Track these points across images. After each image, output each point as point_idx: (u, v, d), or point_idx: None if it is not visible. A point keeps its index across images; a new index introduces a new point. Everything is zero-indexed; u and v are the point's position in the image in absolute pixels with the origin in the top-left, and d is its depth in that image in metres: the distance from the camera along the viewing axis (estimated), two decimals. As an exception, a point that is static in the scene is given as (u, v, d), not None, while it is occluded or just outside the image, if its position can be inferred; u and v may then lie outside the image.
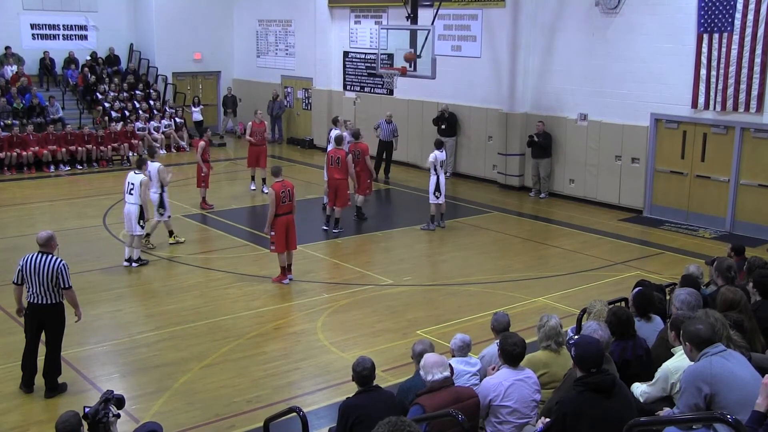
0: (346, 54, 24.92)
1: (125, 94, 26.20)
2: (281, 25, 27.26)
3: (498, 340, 6.77)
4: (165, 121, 25.82)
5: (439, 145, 16.69)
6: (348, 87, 25.10)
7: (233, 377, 9.55)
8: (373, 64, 22.42)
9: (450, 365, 6.48)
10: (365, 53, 24.09)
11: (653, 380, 6.05)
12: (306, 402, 8.70)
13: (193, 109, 26.82)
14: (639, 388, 6.11)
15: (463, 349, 7.35)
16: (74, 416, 5.39)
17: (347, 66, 25.01)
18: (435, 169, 16.23)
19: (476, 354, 7.65)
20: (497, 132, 20.39)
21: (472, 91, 21.06)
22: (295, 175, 22.38)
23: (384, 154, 21.74)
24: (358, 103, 24.74)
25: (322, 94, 25.75)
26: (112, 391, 5.82)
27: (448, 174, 21.69)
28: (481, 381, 6.80)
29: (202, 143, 17.91)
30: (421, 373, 6.25)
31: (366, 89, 24.48)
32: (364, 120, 24.48)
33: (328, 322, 11.38)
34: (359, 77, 24.69)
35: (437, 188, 16.24)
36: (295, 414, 6.63)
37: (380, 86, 23.37)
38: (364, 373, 6.35)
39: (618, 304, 8.02)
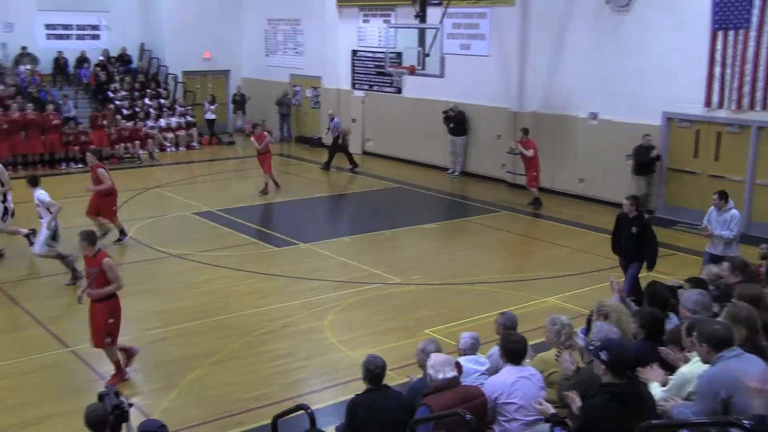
0: (354, 53, 24.91)
1: (136, 92, 26.31)
2: (290, 24, 27.30)
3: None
4: (174, 119, 25.93)
5: (34, 182, 13.37)
6: (356, 86, 25.08)
7: (241, 374, 9.59)
8: (381, 63, 22.42)
9: (458, 364, 6.48)
10: (374, 52, 24.09)
11: (668, 385, 5.90)
12: (313, 400, 8.72)
13: (208, 106, 26.98)
14: (653, 390, 6.02)
15: (473, 347, 7.35)
16: (102, 406, 5.54)
17: (356, 65, 24.99)
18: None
19: (484, 353, 7.66)
20: (506, 131, 20.36)
21: (480, 89, 21.03)
22: (303, 173, 22.50)
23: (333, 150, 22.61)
24: (366, 102, 24.75)
25: (331, 92, 25.78)
26: (112, 386, 5.94)
27: (456, 173, 21.72)
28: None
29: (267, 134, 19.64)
30: (429, 372, 6.25)
31: (374, 88, 24.46)
32: (373, 119, 24.53)
33: (336, 320, 11.41)
34: (368, 76, 24.68)
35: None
36: (303, 411, 6.66)
37: (389, 85, 23.34)
38: (376, 371, 6.33)
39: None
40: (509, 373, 6.32)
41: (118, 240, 15.00)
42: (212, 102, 27.31)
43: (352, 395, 6.55)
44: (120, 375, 9.40)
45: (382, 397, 6.32)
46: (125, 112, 25.06)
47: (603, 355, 5.44)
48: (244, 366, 9.82)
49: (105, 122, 23.50)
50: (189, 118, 26.33)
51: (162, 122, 25.55)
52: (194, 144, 25.86)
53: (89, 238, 9.23)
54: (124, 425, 5.70)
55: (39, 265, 13.69)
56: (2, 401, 8.84)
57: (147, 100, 26.12)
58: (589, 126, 18.73)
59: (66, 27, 26.85)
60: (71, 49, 26.66)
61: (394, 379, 8.77)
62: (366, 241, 15.86)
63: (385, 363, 6.46)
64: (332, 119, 23.11)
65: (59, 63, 26.33)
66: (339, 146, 22.64)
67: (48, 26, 26.47)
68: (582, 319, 8.86)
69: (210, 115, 27.07)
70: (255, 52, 28.84)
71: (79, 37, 27.16)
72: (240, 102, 28.19)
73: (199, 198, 18.58)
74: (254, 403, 8.82)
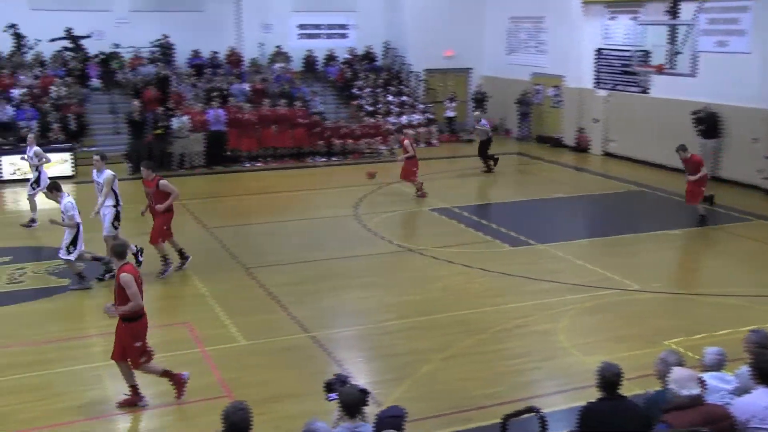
0: (598, 51, 24.20)
1: (379, 90, 27.24)
2: (533, 21, 27.00)
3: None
4: (415, 117, 26.56)
5: (58, 189, 12.58)
6: (600, 85, 24.36)
7: (473, 371, 9.60)
8: (627, 62, 21.61)
9: (702, 380, 6.07)
10: (619, 50, 23.25)
11: None
12: (545, 403, 8.49)
13: (448, 104, 27.43)
14: None
15: (719, 364, 6.85)
16: (355, 390, 5.90)
17: (600, 63, 24.27)
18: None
19: (731, 371, 7.11)
20: (765, 134, 18.86)
21: (736, 89, 19.59)
22: (542, 173, 22.19)
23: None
24: (610, 102, 23.95)
25: (573, 92, 25.22)
26: (339, 374, 6.22)
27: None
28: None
29: (407, 141, 18.82)
30: (670, 387, 5.89)
31: (619, 87, 23.63)
32: (616, 119, 23.70)
33: (571, 323, 11.12)
34: (612, 75, 23.88)
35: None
36: (533, 414, 6.53)
37: (634, 84, 22.46)
38: (612, 379, 6.06)
39: None
40: (763, 395, 5.81)
41: (162, 272, 13.02)
42: (452, 99, 27.69)
43: (585, 402, 6.32)
44: (135, 399, 8.69)
45: (617, 407, 6.04)
46: (368, 108, 26.05)
47: None
48: (476, 363, 9.83)
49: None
50: (429, 116, 26.85)
51: (403, 119, 26.26)
52: (434, 141, 26.33)
53: (115, 250, 8.70)
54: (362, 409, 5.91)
55: (282, 254, 14.52)
56: (252, 377, 9.45)
57: (390, 97, 26.97)
58: None
59: (316, 27, 28.44)
60: (320, 48, 28.22)
61: (629, 389, 8.35)
62: (604, 244, 15.34)
63: (621, 371, 6.17)
64: (479, 120, 22.61)
65: (309, 61, 27.91)
66: (482, 147, 22.10)
67: (300, 26, 28.19)
68: None
69: (450, 113, 27.49)
70: (496, 50, 28.80)
71: (328, 36, 28.68)
72: (480, 100, 28.32)
73: (436, 194, 18.85)
74: (484, 401, 8.79)
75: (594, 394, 6.27)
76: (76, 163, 20.91)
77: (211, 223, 16.33)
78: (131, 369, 8.68)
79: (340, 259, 14.24)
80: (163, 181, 12.86)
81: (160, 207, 12.76)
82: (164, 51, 25.91)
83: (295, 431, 5.67)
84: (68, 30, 25.18)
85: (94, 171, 13.20)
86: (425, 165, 21.89)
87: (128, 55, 25.74)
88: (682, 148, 16.14)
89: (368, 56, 28.67)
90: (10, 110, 22.15)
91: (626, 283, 12.78)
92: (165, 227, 12.97)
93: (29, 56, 24.89)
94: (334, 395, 6.11)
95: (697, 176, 15.88)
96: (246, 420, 5.33)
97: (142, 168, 13.12)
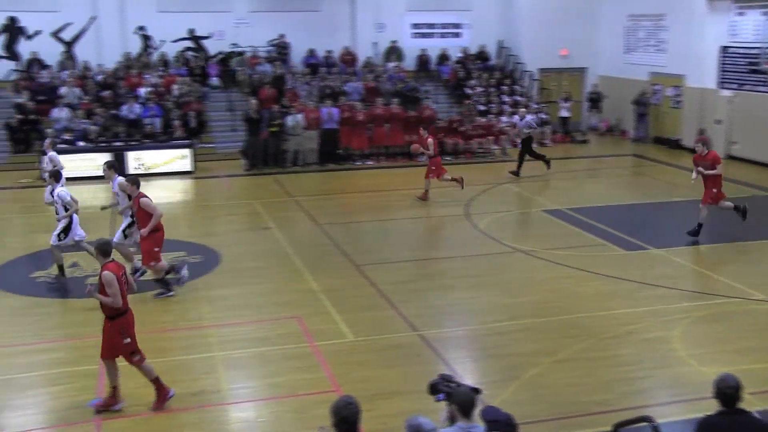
0: (724, 49, 23.25)
1: (492, 89, 27.01)
2: (653, 19, 26.20)
3: None
4: (530, 117, 26.16)
5: (57, 178, 12.91)
6: (724, 84, 23.41)
7: (583, 376, 9.38)
8: (755, 60, 20.68)
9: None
10: (747, 47, 22.28)
11: None
12: (657, 413, 8.18)
13: (563, 104, 26.97)
14: None
15: None
16: (469, 391, 5.89)
17: (725, 62, 23.32)
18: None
19: None
20: None
21: None
22: (658, 175, 21.52)
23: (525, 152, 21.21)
24: (735, 102, 22.99)
25: (694, 92, 24.33)
26: (443, 375, 6.26)
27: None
28: None
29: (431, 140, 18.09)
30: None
31: (745, 87, 22.64)
32: (741, 120, 22.73)
33: (687, 332, 10.72)
34: (738, 74, 22.91)
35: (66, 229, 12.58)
36: (646, 423, 6.32)
37: (763, 84, 21.48)
38: (728, 391, 5.78)
39: None
40: None
41: (159, 293, 12.09)
42: (567, 99, 27.21)
43: (702, 414, 6.07)
44: (112, 401, 8.58)
45: (738, 423, 5.76)
46: (481, 108, 25.87)
47: None
48: (586, 368, 9.60)
49: (462, 128, 24.26)
50: (543, 116, 26.44)
51: (516, 119, 25.92)
52: (547, 141, 25.91)
53: (101, 248, 8.56)
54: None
55: (392, 252, 14.57)
56: (359, 373, 9.48)
57: (504, 97, 26.70)
58: None
59: (430, 26, 28.51)
60: (433, 47, 28.28)
61: (752, 404, 8.01)
62: (726, 251, 14.73)
63: (740, 384, 5.88)
64: (523, 118, 21.89)
65: (422, 60, 27.96)
66: (525, 147, 21.32)
67: (414, 26, 28.33)
68: None
69: (564, 113, 27.03)
70: (613, 49, 28.09)
71: (442, 36, 28.72)
72: (595, 100, 27.75)
73: (548, 195, 18.58)
74: (594, 408, 8.57)
75: (712, 407, 6.01)
76: (196, 159, 21.61)
77: (322, 220, 16.57)
78: (117, 369, 8.63)
79: (449, 259, 14.20)
80: (144, 200, 11.77)
81: (143, 231, 11.75)
82: (281, 50, 26.51)
83: (400, 429, 5.66)
84: (191, 31, 26.16)
85: (113, 182, 12.84)
86: (538, 165, 21.56)
87: (246, 54, 26.42)
88: (703, 142, 14.93)
89: (481, 55, 28.50)
90: (137, 108, 23.13)
91: (749, 292, 12.22)
92: (156, 249, 11.91)
93: (155, 56, 25.96)
94: (441, 395, 6.08)
95: (712, 172, 14.66)
96: (355, 415, 5.37)
97: (125, 184, 12.21)
